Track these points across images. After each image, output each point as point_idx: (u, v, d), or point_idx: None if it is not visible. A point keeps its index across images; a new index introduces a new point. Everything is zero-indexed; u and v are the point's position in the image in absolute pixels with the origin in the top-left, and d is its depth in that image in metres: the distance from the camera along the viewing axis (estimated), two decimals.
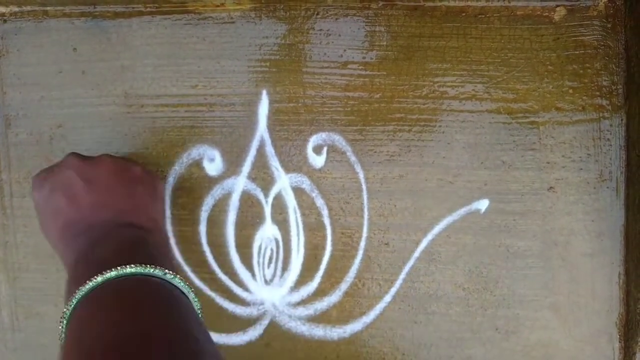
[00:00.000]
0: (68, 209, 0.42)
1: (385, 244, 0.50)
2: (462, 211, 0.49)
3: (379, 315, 0.50)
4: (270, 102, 0.49)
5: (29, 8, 0.50)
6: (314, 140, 0.50)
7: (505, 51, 0.47)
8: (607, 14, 0.46)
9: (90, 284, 0.34)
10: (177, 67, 0.50)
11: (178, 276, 0.37)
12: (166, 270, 0.36)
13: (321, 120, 0.49)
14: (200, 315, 0.37)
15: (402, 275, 0.50)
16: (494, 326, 0.50)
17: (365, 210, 0.50)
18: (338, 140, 0.49)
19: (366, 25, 0.48)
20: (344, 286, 0.50)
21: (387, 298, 0.50)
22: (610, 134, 0.47)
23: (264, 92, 0.49)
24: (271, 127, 0.50)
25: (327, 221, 0.50)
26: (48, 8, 0.50)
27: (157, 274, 0.36)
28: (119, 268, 0.35)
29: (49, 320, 0.53)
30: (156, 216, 0.46)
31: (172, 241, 0.51)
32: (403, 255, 0.50)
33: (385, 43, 0.48)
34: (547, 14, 0.47)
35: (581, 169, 0.48)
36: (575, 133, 0.48)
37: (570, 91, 0.47)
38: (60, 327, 0.34)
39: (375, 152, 0.49)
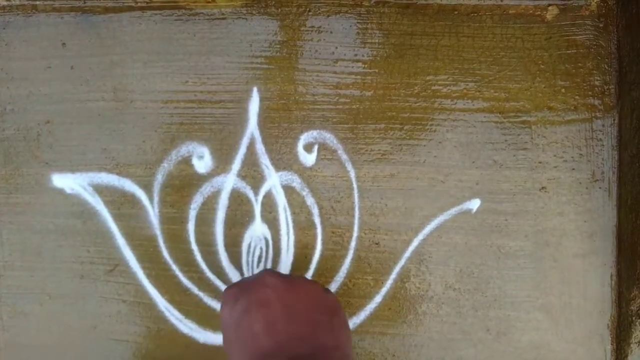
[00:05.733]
0: (264, 335, 0.36)
1: (376, 243, 0.49)
2: (453, 211, 0.48)
3: (369, 316, 0.50)
4: (261, 100, 0.49)
5: (18, 2, 0.50)
6: (304, 138, 0.49)
7: (498, 50, 0.47)
8: (599, 14, 0.46)
9: None
10: (167, 63, 0.49)
11: None
12: None
13: (312, 118, 0.49)
14: None
15: (393, 276, 0.49)
16: (485, 327, 0.49)
17: (356, 209, 0.49)
18: (329, 138, 0.49)
19: (358, 22, 0.48)
20: (334, 286, 0.50)
21: (378, 298, 0.50)
22: (603, 133, 0.47)
23: (255, 90, 0.49)
24: (262, 125, 0.49)
25: (317, 220, 0.50)
26: (37, 2, 0.49)
27: None
28: None
29: (34, 320, 0.52)
30: (351, 353, 0.39)
31: (160, 239, 0.50)
32: (394, 255, 0.49)
33: (377, 41, 0.48)
34: (539, 13, 0.47)
35: (573, 169, 0.48)
36: (567, 133, 0.47)
37: (563, 90, 0.47)
38: None
39: (366, 150, 0.49)
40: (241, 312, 0.37)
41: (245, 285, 0.39)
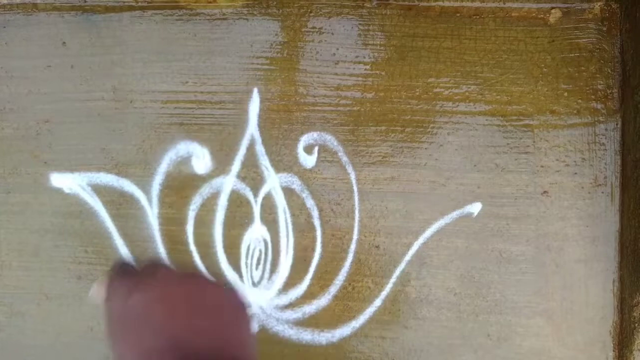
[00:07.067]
0: (163, 329, 0.35)
1: (376, 246, 0.49)
2: (454, 214, 0.48)
3: (369, 320, 0.49)
4: (262, 100, 0.49)
5: (18, 1, 0.49)
6: (305, 139, 0.49)
7: (500, 53, 0.47)
8: (603, 17, 0.46)
9: None
10: (168, 63, 0.49)
11: None
12: None
13: (313, 119, 0.48)
14: None
15: (393, 279, 0.49)
16: (485, 332, 0.48)
17: (356, 212, 0.49)
18: (329, 140, 0.48)
19: (359, 24, 0.47)
20: (333, 289, 0.49)
21: (377, 302, 0.49)
22: (605, 138, 0.47)
23: (255, 90, 0.49)
24: (262, 126, 0.49)
25: (317, 222, 0.49)
26: (38, 1, 0.49)
27: None
28: None
29: (30, 320, 0.52)
30: (254, 353, 0.39)
31: (159, 240, 0.50)
32: (394, 259, 0.49)
33: (378, 43, 0.47)
34: (542, 16, 0.46)
35: (575, 173, 0.47)
36: (569, 137, 0.47)
37: (565, 94, 0.47)
38: None
39: (367, 152, 0.48)
40: (140, 304, 0.36)
41: (140, 279, 0.38)
